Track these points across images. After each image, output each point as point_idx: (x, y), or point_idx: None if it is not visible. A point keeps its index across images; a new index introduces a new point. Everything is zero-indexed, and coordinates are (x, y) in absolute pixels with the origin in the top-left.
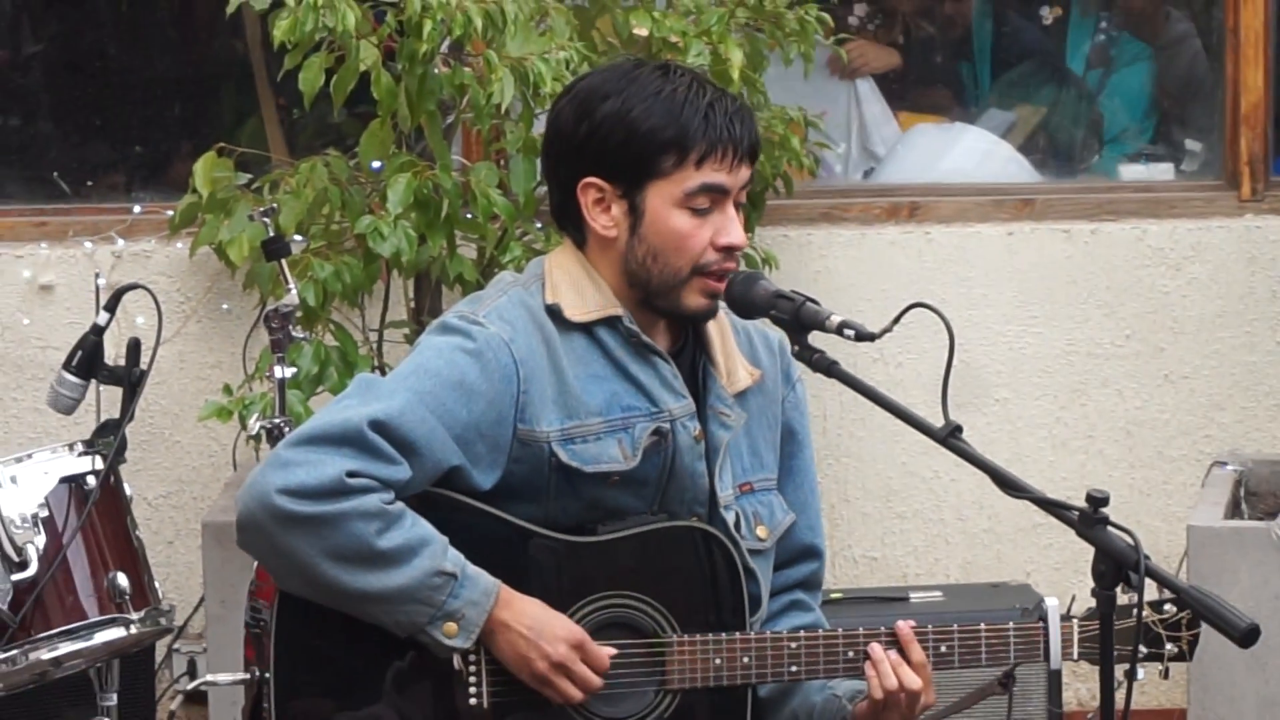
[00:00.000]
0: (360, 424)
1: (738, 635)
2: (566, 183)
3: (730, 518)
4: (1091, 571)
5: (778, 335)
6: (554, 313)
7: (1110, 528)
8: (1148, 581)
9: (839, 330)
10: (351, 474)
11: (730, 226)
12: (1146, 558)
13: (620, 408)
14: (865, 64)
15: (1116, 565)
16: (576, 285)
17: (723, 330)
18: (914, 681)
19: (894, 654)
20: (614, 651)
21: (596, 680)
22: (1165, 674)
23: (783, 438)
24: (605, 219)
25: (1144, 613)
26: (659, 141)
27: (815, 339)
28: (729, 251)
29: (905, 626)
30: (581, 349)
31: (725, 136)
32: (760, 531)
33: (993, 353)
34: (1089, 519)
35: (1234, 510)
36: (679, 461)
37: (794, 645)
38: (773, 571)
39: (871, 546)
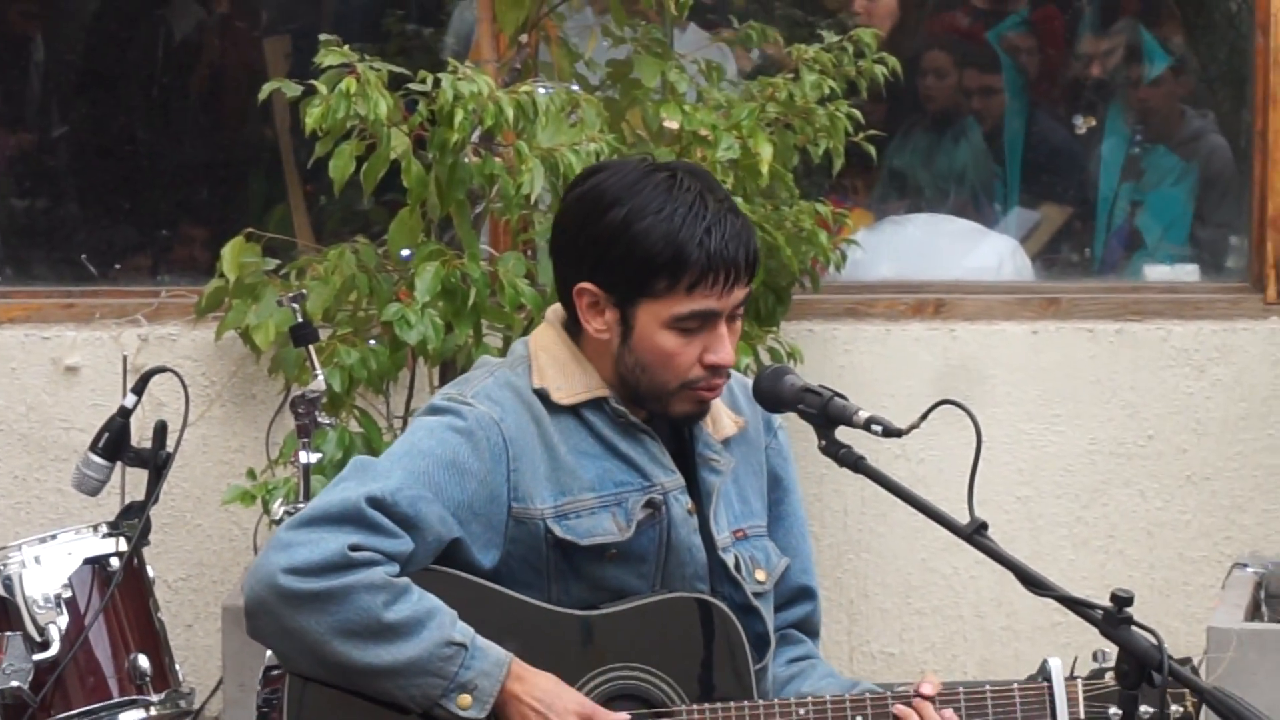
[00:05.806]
0: (358, 501)
1: (746, 703)
2: (565, 279)
3: (729, 559)
4: (1114, 671)
5: None
6: (542, 396)
7: (1134, 627)
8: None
9: (866, 425)
10: (354, 547)
11: (718, 345)
12: (1170, 658)
13: (612, 483)
14: None
15: (1140, 665)
16: (563, 368)
17: None
18: None
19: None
20: (627, 717)
21: None
22: None
23: (769, 485)
24: (599, 322)
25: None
26: (654, 264)
27: (842, 434)
28: (716, 369)
29: (931, 683)
30: (571, 428)
31: (719, 263)
32: (759, 575)
33: (1015, 450)
34: (1113, 618)
35: (1254, 612)
36: (674, 535)
37: (803, 711)
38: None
39: (889, 642)
